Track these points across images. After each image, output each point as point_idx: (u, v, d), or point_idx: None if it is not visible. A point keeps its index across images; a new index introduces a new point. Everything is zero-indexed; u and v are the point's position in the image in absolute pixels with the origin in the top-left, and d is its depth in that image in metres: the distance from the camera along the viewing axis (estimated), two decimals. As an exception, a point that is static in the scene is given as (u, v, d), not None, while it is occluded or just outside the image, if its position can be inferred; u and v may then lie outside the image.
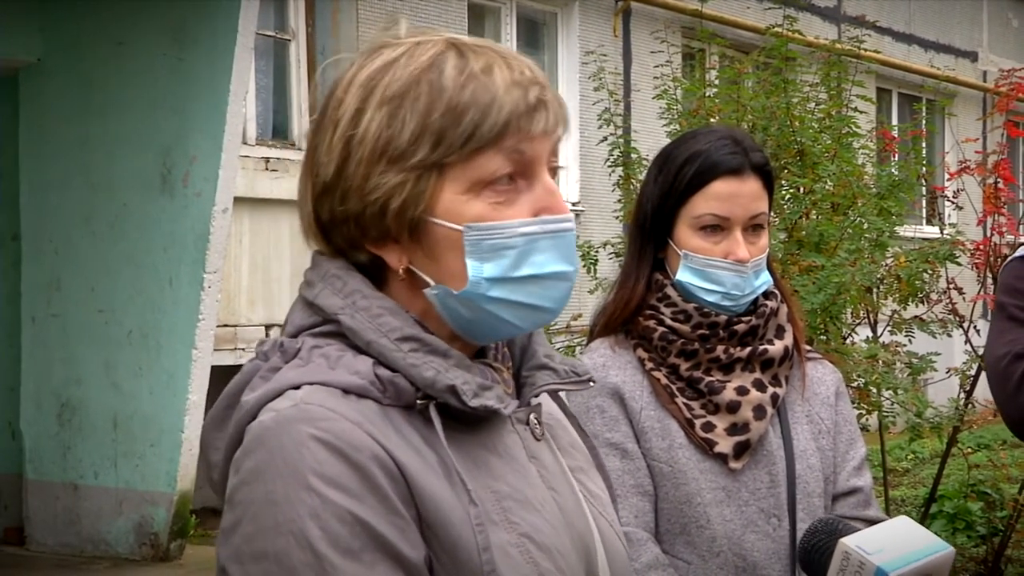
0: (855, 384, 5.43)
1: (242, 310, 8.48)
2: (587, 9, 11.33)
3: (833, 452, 2.40)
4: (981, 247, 6.24)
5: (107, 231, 7.42)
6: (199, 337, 7.09)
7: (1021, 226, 6.80)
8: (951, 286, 6.23)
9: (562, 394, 1.58)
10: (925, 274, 5.94)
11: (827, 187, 5.83)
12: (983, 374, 5.80)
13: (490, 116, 1.35)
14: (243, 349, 8.24)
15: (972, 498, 7.30)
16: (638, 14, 11.61)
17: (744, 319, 2.33)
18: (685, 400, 2.31)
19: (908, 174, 6.46)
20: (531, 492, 1.41)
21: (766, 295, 2.36)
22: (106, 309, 7.41)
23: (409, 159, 1.36)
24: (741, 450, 2.29)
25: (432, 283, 1.39)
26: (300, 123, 9.03)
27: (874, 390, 5.53)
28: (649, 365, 2.34)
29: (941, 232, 6.61)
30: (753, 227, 2.32)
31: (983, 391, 5.97)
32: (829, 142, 5.97)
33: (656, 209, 2.35)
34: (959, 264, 6.08)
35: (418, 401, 1.36)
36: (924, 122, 7.68)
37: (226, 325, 8.17)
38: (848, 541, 1.98)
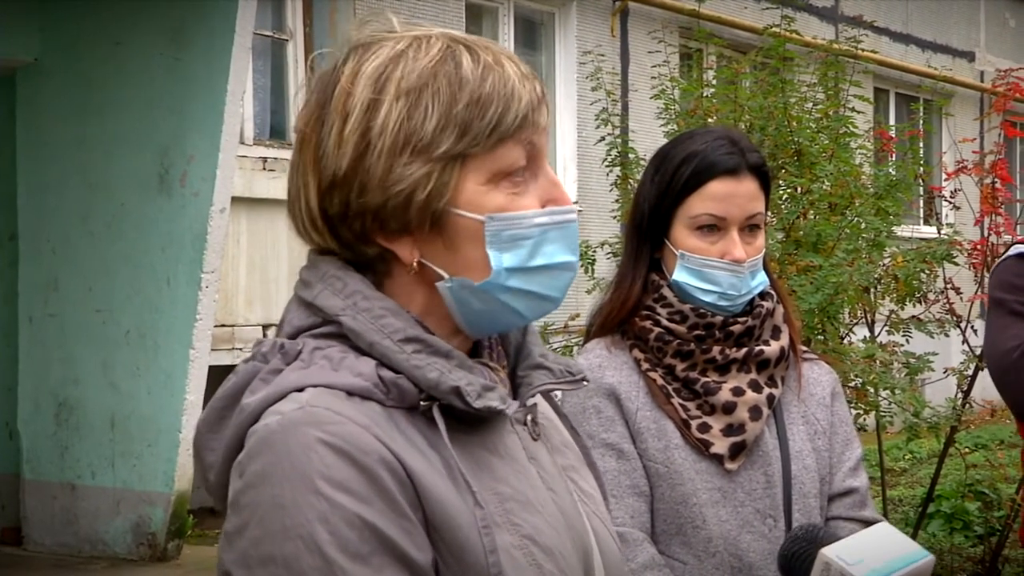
0: (852, 384, 5.43)
1: (240, 310, 8.48)
2: (584, 9, 11.33)
3: (829, 453, 2.40)
4: (978, 247, 6.24)
5: (105, 231, 7.41)
6: (197, 337, 7.09)
7: (1018, 226, 6.80)
8: (948, 286, 6.23)
9: (556, 393, 1.58)
10: (922, 274, 5.94)
11: (824, 187, 5.83)
12: (980, 374, 5.80)
13: (512, 108, 1.37)
14: (240, 349, 8.24)
15: (969, 498, 7.31)
16: (635, 14, 11.61)
17: (740, 320, 2.33)
18: (681, 401, 2.31)
19: (905, 174, 6.47)
20: (532, 493, 1.41)
21: (762, 296, 2.37)
22: (104, 309, 7.41)
23: (434, 150, 1.36)
24: (737, 451, 2.29)
25: (446, 275, 1.39)
26: (298, 123, 9.02)
27: (871, 390, 5.53)
28: (645, 366, 2.34)
29: (938, 232, 6.60)
30: (750, 227, 2.32)
31: (981, 391, 6.00)
32: (826, 142, 5.97)
33: (653, 209, 2.35)
34: (956, 264, 6.09)
35: (421, 403, 1.36)
36: (921, 122, 7.66)
37: (224, 325, 8.17)
38: (829, 551, 1.99)
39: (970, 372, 6.06)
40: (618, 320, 2.39)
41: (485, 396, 1.37)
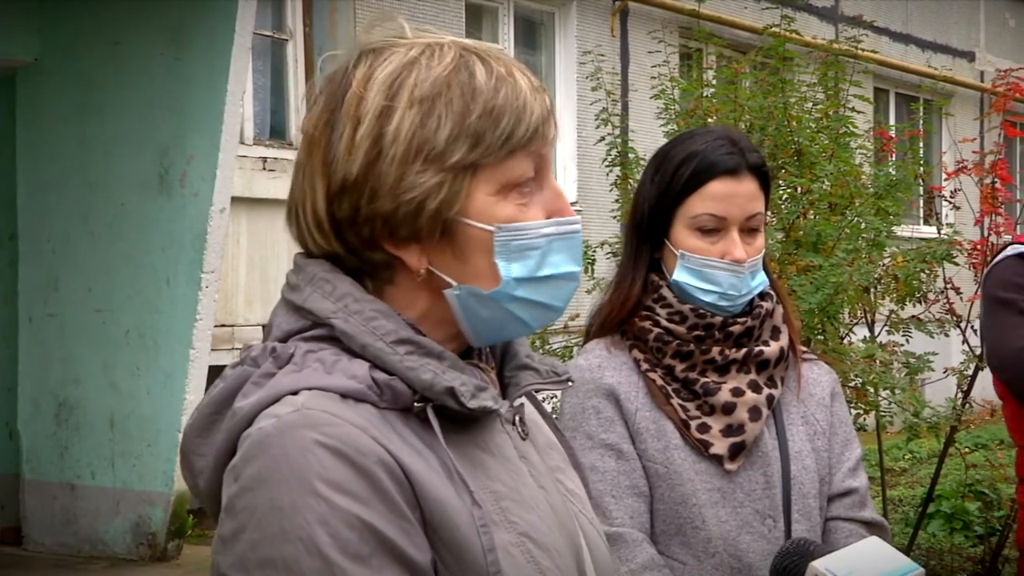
0: (852, 384, 5.43)
1: (239, 310, 8.48)
2: (584, 9, 11.33)
3: (828, 453, 2.40)
4: (978, 247, 6.24)
5: (105, 231, 7.41)
6: (196, 337, 7.09)
7: (1018, 226, 6.80)
8: (948, 286, 6.23)
9: (541, 394, 1.59)
10: (922, 274, 5.94)
11: (824, 187, 5.83)
12: (980, 374, 5.80)
13: (524, 120, 1.38)
14: (240, 349, 8.24)
15: (969, 498, 7.31)
16: (635, 14, 11.61)
17: (740, 320, 2.33)
18: (680, 401, 2.31)
19: (905, 174, 6.46)
20: (525, 491, 1.42)
21: (762, 296, 2.37)
22: (104, 309, 7.41)
23: (447, 160, 1.36)
24: (736, 451, 2.30)
25: (454, 283, 1.39)
26: (298, 123, 9.03)
27: (871, 390, 5.53)
28: (645, 366, 2.34)
29: (938, 232, 6.60)
30: (750, 227, 2.32)
31: (981, 391, 5.99)
32: (826, 142, 5.97)
33: (652, 209, 2.35)
34: (956, 264, 6.08)
35: (415, 404, 1.36)
36: (921, 122, 7.66)
37: (223, 325, 8.17)
38: (818, 564, 2.01)
39: (970, 372, 6.06)
40: (618, 320, 2.39)
41: (479, 396, 1.37)
